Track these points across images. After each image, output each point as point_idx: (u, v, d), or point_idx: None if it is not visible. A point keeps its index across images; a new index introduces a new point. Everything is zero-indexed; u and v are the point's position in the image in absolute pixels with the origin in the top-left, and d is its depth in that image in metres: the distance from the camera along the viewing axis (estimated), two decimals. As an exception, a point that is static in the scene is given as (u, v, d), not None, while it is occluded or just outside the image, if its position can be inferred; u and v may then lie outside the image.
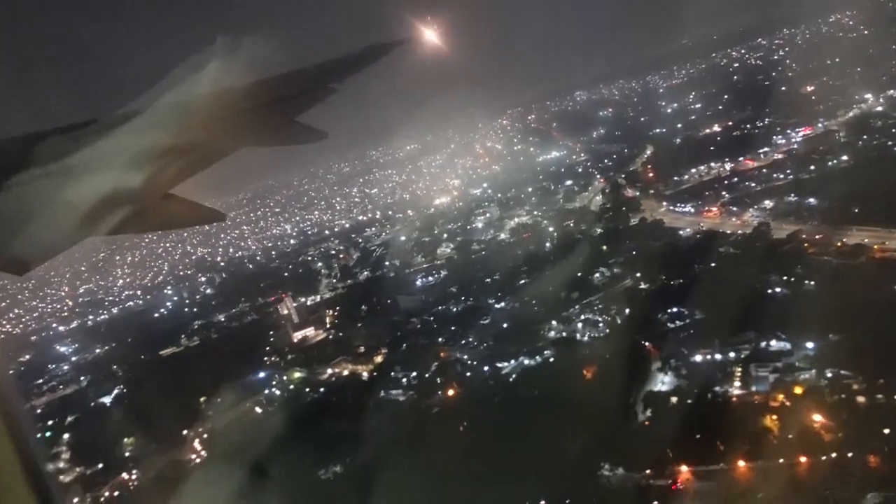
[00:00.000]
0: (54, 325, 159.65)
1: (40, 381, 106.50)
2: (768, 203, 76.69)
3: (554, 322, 62.86)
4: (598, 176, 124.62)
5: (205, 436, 65.19)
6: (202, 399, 74.03)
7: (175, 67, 4.68)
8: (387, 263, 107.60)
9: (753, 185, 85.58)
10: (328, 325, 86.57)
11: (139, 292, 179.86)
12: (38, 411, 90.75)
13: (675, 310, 56.60)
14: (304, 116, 5.85)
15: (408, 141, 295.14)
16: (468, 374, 59.42)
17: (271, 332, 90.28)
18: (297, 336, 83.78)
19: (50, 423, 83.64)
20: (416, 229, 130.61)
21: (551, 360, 56.66)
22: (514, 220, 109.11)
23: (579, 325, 60.67)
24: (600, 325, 59.12)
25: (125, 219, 4.28)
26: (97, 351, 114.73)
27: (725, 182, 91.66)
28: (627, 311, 59.79)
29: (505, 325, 67.33)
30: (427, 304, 79.91)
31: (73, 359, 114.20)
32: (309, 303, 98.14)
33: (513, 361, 58.65)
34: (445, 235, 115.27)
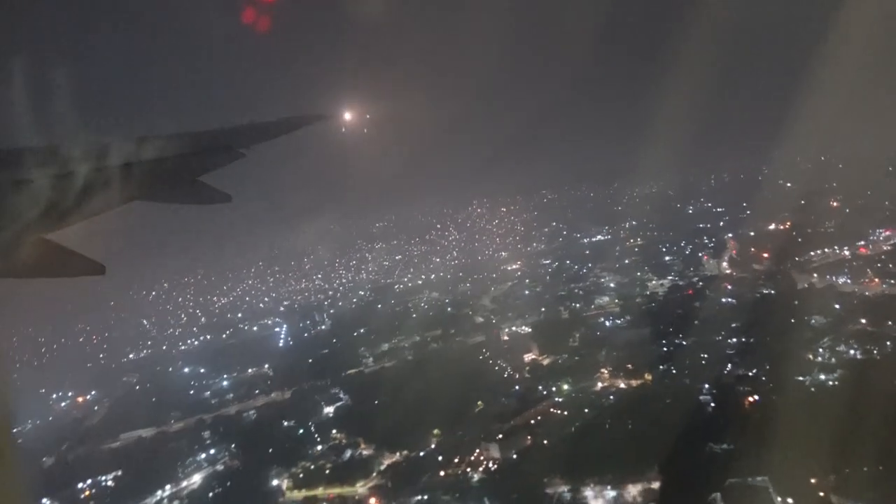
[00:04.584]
0: (129, 355, 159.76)
1: (206, 393, 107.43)
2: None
3: (819, 350, 76.09)
4: (700, 254, 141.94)
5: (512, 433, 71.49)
6: (478, 403, 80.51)
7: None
8: (546, 307, 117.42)
9: (890, 266, 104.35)
10: (542, 352, 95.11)
11: (198, 329, 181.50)
12: (251, 415, 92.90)
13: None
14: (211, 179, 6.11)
15: (371, 218, 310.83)
16: (769, 386, 70.42)
17: (480, 356, 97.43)
18: (529, 358, 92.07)
19: (285, 423, 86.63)
20: (531, 286, 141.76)
21: (848, 376, 68.94)
22: (653, 282, 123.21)
23: (851, 351, 74.11)
24: (874, 351, 72.61)
25: None
26: (249, 371, 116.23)
27: (855, 263, 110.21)
28: (889, 343, 73.74)
29: (757, 355, 79.42)
30: (650, 337, 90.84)
31: (225, 376, 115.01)
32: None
33: (808, 377, 70.77)
34: (581, 292, 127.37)
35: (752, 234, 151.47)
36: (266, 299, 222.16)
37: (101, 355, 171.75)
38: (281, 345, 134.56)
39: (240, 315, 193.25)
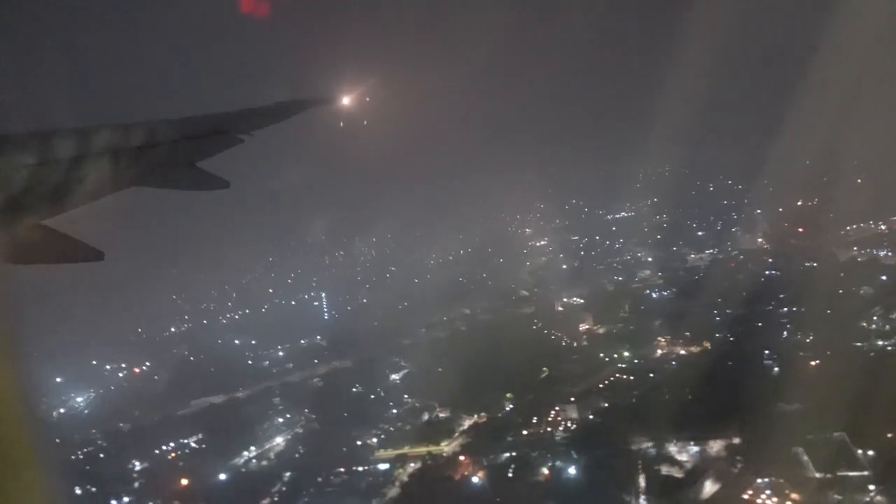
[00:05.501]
0: (171, 328, 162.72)
1: (265, 363, 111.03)
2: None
3: (873, 318, 79.60)
4: (733, 229, 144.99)
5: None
6: (544, 370, 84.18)
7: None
8: (589, 280, 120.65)
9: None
10: (595, 322, 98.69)
11: (232, 304, 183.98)
12: (317, 382, 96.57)
13: None
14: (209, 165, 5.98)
15: (379, 198, 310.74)
16: (828, 351, 73.83)
17: (534, 326, 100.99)
18: (583, 328, 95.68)
19: (354, 389, 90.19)
20: (567, 260, 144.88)
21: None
22: (692, 256, 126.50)
23: (906, 319, 77.65)
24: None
25: None
26: (302, 342, 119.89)
27: (893, 237, 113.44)
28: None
29: (811, 323, 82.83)
30: (701, 307, 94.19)
31: (279, 346, 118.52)
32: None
33: (866, 343, 74.40)
34: (619, 266, 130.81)
35: (780, 210, 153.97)
36: (293, 275, 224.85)
37: (140, 329, 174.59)
38: (326, 317, 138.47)
39: (271, 290, 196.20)
